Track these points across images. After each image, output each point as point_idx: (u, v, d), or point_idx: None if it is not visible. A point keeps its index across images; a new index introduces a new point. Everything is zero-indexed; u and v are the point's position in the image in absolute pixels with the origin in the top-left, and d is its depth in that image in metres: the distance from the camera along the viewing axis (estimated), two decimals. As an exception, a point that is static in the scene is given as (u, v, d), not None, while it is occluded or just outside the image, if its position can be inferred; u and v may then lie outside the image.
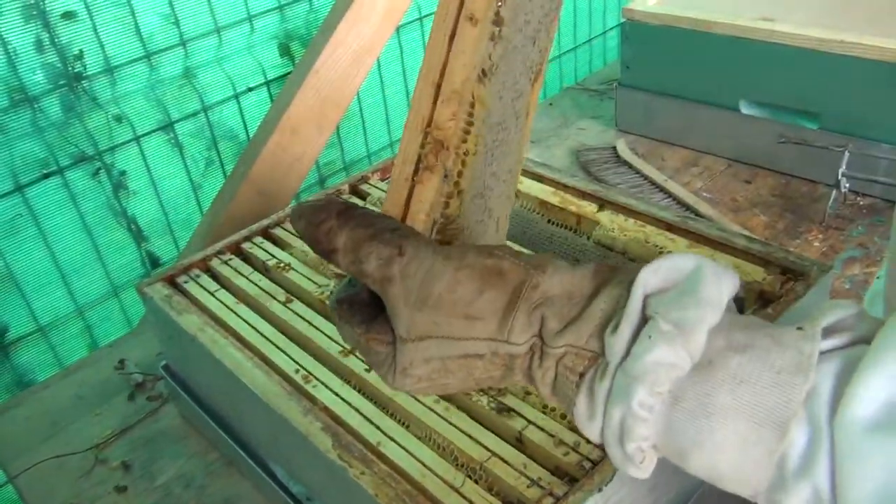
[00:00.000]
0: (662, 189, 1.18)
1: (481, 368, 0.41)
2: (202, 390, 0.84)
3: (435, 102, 0.43)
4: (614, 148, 1.31)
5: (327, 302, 0.55)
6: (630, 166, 1.26)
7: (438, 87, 0.42)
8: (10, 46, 1.03)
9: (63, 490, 0.84)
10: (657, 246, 0.79)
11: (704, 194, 1.18)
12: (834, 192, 1.07)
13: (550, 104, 1.54)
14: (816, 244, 1.05)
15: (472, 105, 0.43)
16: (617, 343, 0.37)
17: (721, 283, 0.38)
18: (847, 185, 1.07)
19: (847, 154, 1.07)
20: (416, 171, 0.44)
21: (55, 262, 1.17)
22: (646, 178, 1.22)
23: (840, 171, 1.05)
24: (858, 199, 1.12)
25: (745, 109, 1.21)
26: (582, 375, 0.39)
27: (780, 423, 0.34)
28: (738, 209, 1.14)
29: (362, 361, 0.69)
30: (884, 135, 1.08)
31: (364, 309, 0.44)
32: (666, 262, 0.38)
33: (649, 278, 0.38)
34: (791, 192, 1.16)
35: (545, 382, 0.41)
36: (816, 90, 1.13)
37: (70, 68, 1.09)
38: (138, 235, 1.24)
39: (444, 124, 0.43)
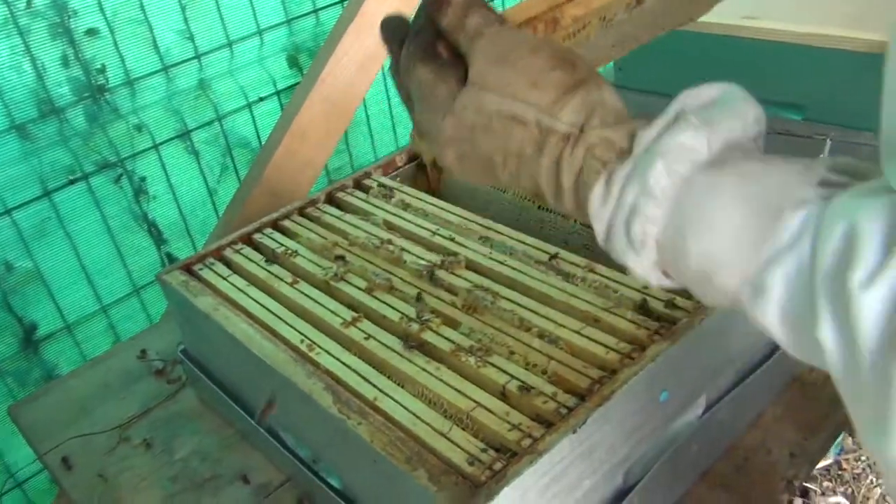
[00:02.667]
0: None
1: (518, 138, 0.46)
2: (217, 370, 0.90)
3: None
4: (610, 146, 1.37)
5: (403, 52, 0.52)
6: (624, 162, 1.31)
7: None
8: (38, 62, 1.11)
9: (89, 465, 0.90)
10: (638, 224, 0.84)
11: (695, 186, 1.23)
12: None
13: (550, 108, 1.60)
14: (800, 228, 1.10)
15: None
16: (646, 134, 0.43)
17: (748, 104, 0.44)
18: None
19: (829, 142, 1.12)
20: None
21: (80, 263, 1.24)
22: (638, 172, 1.27)
23: (820, 156, 1.10)
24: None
25: (733, 105, 1.26)
26: (606, 165, 0.44)
27: (776, 212, 0.38)
28: (727, 199, 1.19)
29: (361, 331, 0.75)
30: (865, 122, 1.13)
31: (434, 53, 0.49)
32: (704, 87, 0.44)
33: (687, 98, 0.44)
34: (778, 182, 1.21)
35: (570, 171, 0.45)
36: (800, 83, 1.18)
37: (93, 81, 1.17)
38: (158, 238, 1.32)
39: None
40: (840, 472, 1.65)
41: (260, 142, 1.38)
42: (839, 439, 1.67)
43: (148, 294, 1.33)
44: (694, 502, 0.74)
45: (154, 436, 0.93)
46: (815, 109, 1.17)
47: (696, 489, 0.75)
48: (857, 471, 1.65)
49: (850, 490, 1.62)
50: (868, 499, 1.61)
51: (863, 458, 1.68)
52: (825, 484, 1.63)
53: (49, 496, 1.27)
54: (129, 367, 1.06)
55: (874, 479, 1.63)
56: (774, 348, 0.81)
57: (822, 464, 1.66)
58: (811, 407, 0.82)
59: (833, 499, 1.59)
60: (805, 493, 1.59)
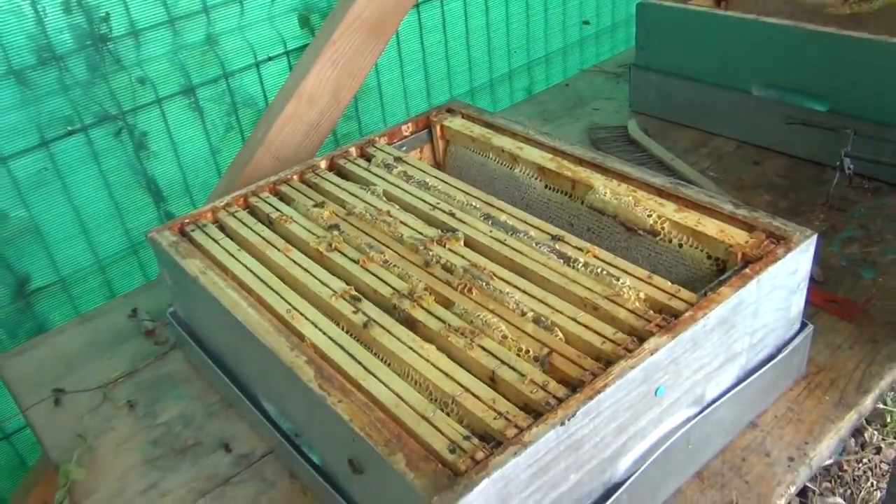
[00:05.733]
0: (668, 167, 1.19)
1: None
2: (204, 334, 0.88)
3: None
4: (626, 127, 1.33)
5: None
6: (639, 145, 1.27)
7: None
8: (38, 5, 1.08)
9: (70, 422, 0.88)
10: (647, 209, 0.81)
11: (711, 174, 1.19)
12: (837, 173, 1.08)
13: (567, 85, 1.56)
14: (817, 223, 1.05)
15: None
16: None
17: None
18: (852, 166, 1.07)
19: (852, 135, 1.07)
20: None
21: (78, 216, 1.22)
22: (652, 156, 1.23)
23: (843, 151, 1.05)
24: (864, 182, 1.12)
25: (757, 91, 1.22)
26: None
27: None
28: (743, 188, 1.15)
29: (351, 305, 0.73)
30: (892, 117, 1.08)
31: None
32: None
33: None
34: (798, 174, 1.17)
35: None
36: (826, 72, 1.13)
37: (96, 29, 1.14)
38: (157, 195, 1.29)
39: None
40: (840, 474, 1.62)
41: (266, 102, 1.35)
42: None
43: (146, 252, 1.31)
44: (685, 501, 0.71)
45: (138, 398, 0.91)
46: (839, 100, 1.12)
47: (688, 488, 0.72)
48: (857, 473, 1.62)
49: (849, 492, 1.59)
50: (867, 502, 1.58)
51: (864, 460, 1.65)
52: (824, 485, 1.60)
53: (37, 451, 1.26)
54: (119, 326, 1.04)
55: (874, 483, 1.60)
56: (782, 346, 0.77)
57: (822, 464, 1.63)
58: (815, 410, 0.79)
59: (831, 499, 1.57)
60: (803, 493, 1.56)
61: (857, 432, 1.70)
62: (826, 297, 0.91)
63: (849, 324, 0.88)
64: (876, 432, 1.69)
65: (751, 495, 0.71)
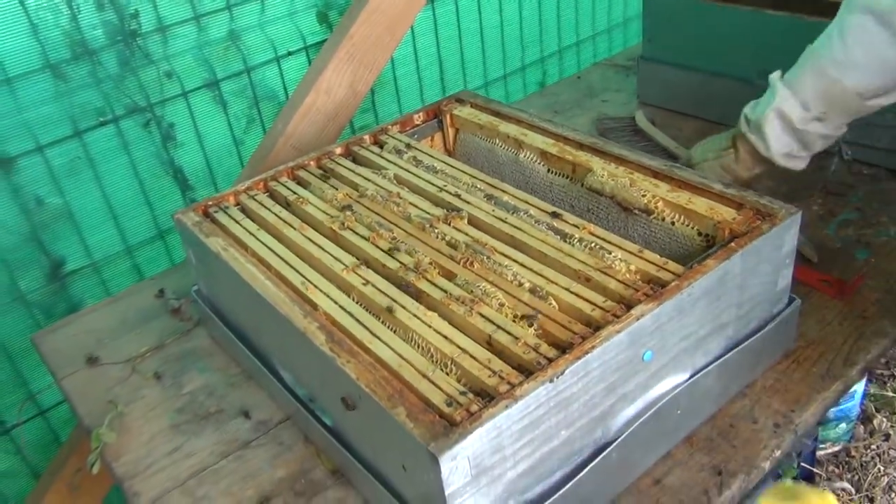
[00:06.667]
0: (672, 155, 1.23)
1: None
2: (226, 310, 0.93)
3: None
4: (633, 118, 1.37)
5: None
6: (645, 135, 1.31)
7: None
8: (73, 3, 1.15)
9: (101, 392, 0.95)
10: (641, 190, 0.85)
11: (714, 161, 1.22)
12: (835, 159, 1.11)
13: (578, 77, 1.60)
14: (815, 207, 1.09)
15: None
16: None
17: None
18: (849, 152, 1.10)
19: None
20: None
21: (109, 203, 1.28)
22: (657, 144, 1.27)
23: (840, 137, 1.08)
24: (863, 168, 1.15)
25: (758, 81, 1.25)
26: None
27: None
28: (745, 175, 1.18)
29: (360, 277, 0.78)
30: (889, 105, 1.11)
31: None
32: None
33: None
34: (799, 161, 1.20)
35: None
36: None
37: (126, 26, 1.20)
38: (183, 184, 1.35)
39: None
40: (848, 459, 1.64)
41: (287, 95, 1.41)
42: (850, 426, 1.66)
43: (172, 237, 1.37)
44: (674, 463, 0.75)
45: (165, 370, 0.97)
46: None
47: (677, 451, 0.76)
48: (865, 459, 1.64)
49: (856, 477, 1.61)
50: (874, 487, 1.60)
51: (873, 446, 1.67)
52: (831, 469, 1.62)
53: (70, 426, 1.33)
54: (147, 305, 1.10)
55: (882, 468, 1.63)
56: (769, 319, 0.81)
57: (830, 449, 1.66)
58: (802, 381, 0.82)
59: (838, 484, 1.59)
60: (810, 478, 1.59)
61: (867, 419, 1.72)
62: (818, 277, 0.95)
63: (839, 302, 0.92)
64: (885, 419, 1.71)
65: (738, 458, 0.75)
